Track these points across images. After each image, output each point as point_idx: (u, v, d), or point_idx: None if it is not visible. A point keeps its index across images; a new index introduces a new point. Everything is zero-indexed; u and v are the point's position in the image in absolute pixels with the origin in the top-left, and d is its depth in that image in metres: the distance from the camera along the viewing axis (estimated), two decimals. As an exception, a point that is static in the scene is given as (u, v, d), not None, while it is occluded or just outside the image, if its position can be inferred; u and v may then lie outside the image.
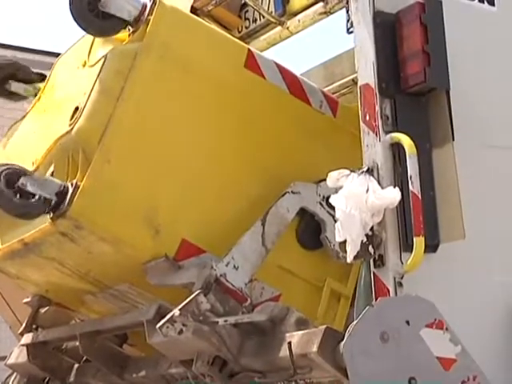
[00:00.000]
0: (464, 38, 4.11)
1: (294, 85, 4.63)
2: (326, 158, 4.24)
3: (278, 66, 4.64)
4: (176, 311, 3.91)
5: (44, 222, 4.24)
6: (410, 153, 3.72)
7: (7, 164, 4.26)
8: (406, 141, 3.75)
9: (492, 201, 4.12)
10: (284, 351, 3.77)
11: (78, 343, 5.01)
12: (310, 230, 4.30)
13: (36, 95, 5.17)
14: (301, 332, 3.84)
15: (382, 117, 3.85)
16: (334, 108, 4.69)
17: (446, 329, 3.70)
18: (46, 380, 5.48)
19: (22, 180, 4.08)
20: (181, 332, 3.92)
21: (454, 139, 3.94)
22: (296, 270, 4.30)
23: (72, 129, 4.31)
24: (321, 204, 4.24)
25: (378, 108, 3.85)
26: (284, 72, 4.64)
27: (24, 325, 5.32)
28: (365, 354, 3.53)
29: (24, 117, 5.20)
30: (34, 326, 5.29)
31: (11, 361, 5.52)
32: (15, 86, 5.17)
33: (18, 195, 4.11)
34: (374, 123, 3.85)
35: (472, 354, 3.67)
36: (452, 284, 3.91)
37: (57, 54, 5.41)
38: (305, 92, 4.63)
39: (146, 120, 4.25)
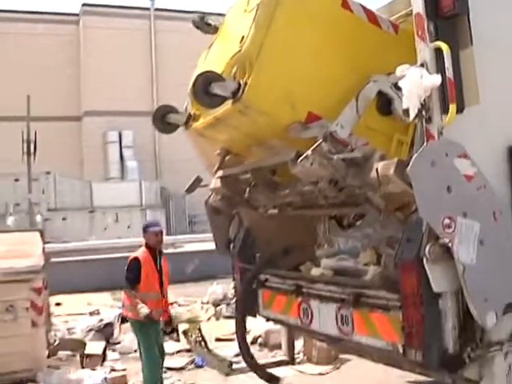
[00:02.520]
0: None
1: (371, 16, 4.52)
2: (393, 60, 4.09)
3: (361, 4, 4.52)
4: (309, 152, 3.96)
5: (227, 105, 4.27)
6: (446, 53, 3.65)
7: (205, 72, 4.30)
8: (444, 46, 3.67)
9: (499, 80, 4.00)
10: (373, 173, 3.80)
11: (248, 175, 5.12)
12: (385, 104, 4.22)
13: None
14: (382, 162, 3.85)
15: (429, 32, 3.74)
16: (396, 29, 4.58)
17: (468, 158, 3.68)
18: (231, 196, 5.59)
19: (212, 85, 4.13)
20: (311, 164, 3.97)
21: (472, 44, 3.83)
22: (376, 127, 4.26)
23: (241, 49, 4.33)
24: (391, 87, 4.15)
25: (425, 27, 3.74)
26: (364, 8, 4.52)
27: (217, 166, 5.41)
28: (422, 173, 3.55)
29: (211, 45, 5.20)
30: (222, 167, 5.38)
31: (211, 186, 5.66)
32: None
33: (208, 95, 4.17)
34: (424, 36, 3.74)
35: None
36: (471, 128, 3.83)
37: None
38: (377, 20, 4.52)
39: (285, 41, 4.22)
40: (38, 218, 22.88)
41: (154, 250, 6.73)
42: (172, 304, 11.44)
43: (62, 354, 8.56)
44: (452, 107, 3.61)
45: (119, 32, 28.27)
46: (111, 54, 27.71)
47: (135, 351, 8.76)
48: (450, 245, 3.58)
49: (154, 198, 26.42)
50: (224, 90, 4.15)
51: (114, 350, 8.75)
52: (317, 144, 3.96)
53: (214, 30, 5.19)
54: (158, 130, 5.29)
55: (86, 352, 8.08)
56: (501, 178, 3.96)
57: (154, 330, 6.57)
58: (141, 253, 6.63)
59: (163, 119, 5.14)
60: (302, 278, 5.11)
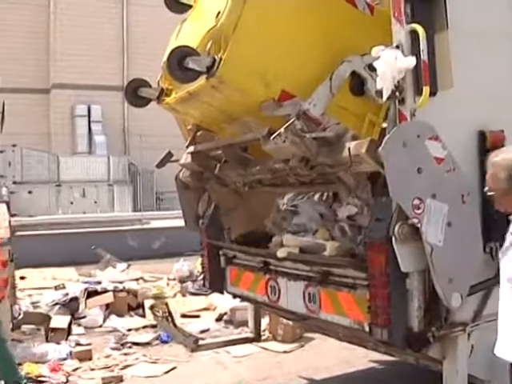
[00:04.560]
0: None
1: None
2: (367, 41, 4.07)
3: None
4: (282, 129, 3.94)
5: (201, 80, 4.21)
6: (421, 36, 3.65)
7: (180, 47, 4.23)
8: (419, 28, 3.67)
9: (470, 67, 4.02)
10: (345, 153, 3.80)
11: (220, 151, 5.09)
12: (358, 84, 4.19)
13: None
14: (354, 142, 3.86)
15: (405, 14, 3.73)
16: (371, 10, 4.50)
17: (440, 141, 3.71)
18: (202, 172, 5.56)
19: (186, 60, 4.06)
20: (284, 142, 3.95)
21: (448, 28, 3.83)
22: (349, 107, 4.21)
23: (217, 24, 4.24)
24: (365, 68, 4.13)
25: (402, 8, 3.73)
26: None
27: (188, 141, 5.39)
28: (393, 153, 3.56)
29: (185, 20, 5.09)
30: (193, 142, 5.35)
31: (182, 161, 5.61)
32: None
33: (182, 69, 4.08)
34: (400, 18, 3.74)
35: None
36: (443, 112, 3.85)
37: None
38: (354, 0, 4.45)
39: (261, 17, 4.15)
40: (4, 191, 22.45)
41: None
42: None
43: (26, 327, 8.40)
44: (425, 90, 3.63)
45: (90, 4, 27.77)
46: (81, 26, 27.22)
47: (100, 326, 8.76)
48: (418, 225, 3.62)
49: (122, 174, 26.15)
50: (198, 64, 4.07)
51: (79, 325, 8.67)
52: (290, 122, 3.93)
53: (187, 8, 5.08)
54: (129, 104, 5.21)
55: (51, 326, 8.00)
56: (470, 162, 4.01)
57: None
58: None
59: (135, 93, 5.05)
60: (270, 256, 5.11)
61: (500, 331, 3.02)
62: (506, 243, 3.04)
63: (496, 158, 3.01)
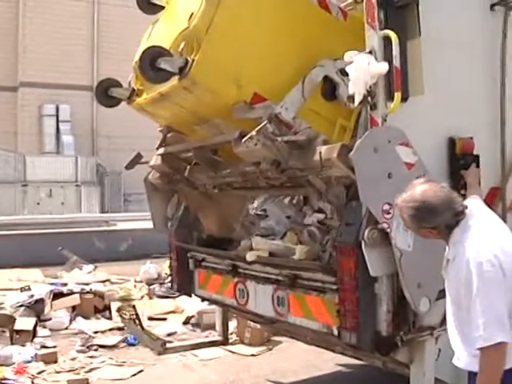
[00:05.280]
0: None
1: (322, 1, 4.42)
2: (340, 47, 4.07)
3: None
4: (253, 132, 3.93)
5: (173, 81, 4.18)
6: (394, 42, 3.67)
7: (152, 47, 4.19)
8: (392, 35, 3.69)
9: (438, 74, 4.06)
10: (316, 157, 3.81)
11: (190, 154, 5.05)
12: (330, 89, 4.20)
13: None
14: (326, 146, 3.86)
15: (378, 20, 3.75)
16: (344, 16, 4.51)
17: (410, 146, 3.73)
18: (171, 174, 5.52)
19: (159, 60, 4.03)
20: (255, 144, 3.94)
21: (420, 35, 3.87)
22: (320, 112, 4.22)
23: (189, 26, 4.22)
24: (337, 73, 4.14)
25: (376, 15, 3.75)
26: None
27: (158, 144, 5.35)
28: (364, 159, 3.57)
29: (157, 20, 5.05)
30: (163, 144, 5.31)
31: (151, 163, 5.58)
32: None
33: (155, 69, 4.04)
34: (373, 24, 3.76)
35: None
36: (414, 118, 3.88)
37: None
38: (328, 5, 4.45)
39: (234, 19, 4.13)
40: (-32, 191, 22.17)
41: None
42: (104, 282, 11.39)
43: (-11, 329, 8.31)
44: (397, 95, 3.65)
45: (61, 1, 27.47)
46: (51, 23, 26.92)
47: (66, 328, 8.65)
48: (388, 230, 3.63)
49: (90, 175, 25.91)
50: (171, 65, 4.04)
51: (44, 327, 8.53)
52: (261, 125, 3.92)
53: (159, 9, 5.04)
54: (99, 103, 5.13)
55: (16, 328, 7.86)
56: (440, 168, 4.05)
57: None
58: None
59: (106, 92, 5.00)
60: (239, 259, 5.08)
61: (451, 343, 3.06)
62: (444, 263, 3.07)
63: (397, 200, 3.03)
